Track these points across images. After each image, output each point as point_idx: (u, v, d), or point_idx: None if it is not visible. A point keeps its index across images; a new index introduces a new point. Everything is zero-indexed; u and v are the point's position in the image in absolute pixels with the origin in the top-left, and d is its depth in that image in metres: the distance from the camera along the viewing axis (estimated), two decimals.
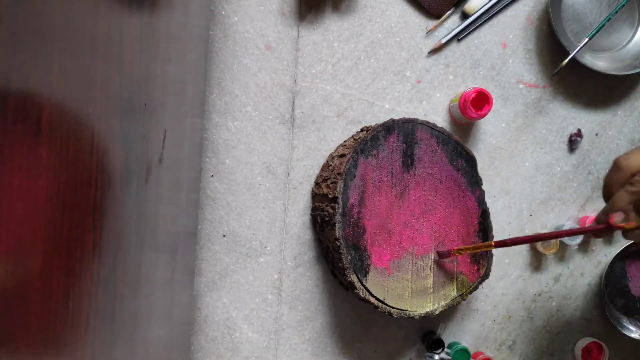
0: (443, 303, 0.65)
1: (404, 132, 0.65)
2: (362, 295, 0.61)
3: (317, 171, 0.72)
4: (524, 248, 0.77)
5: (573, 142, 0.76)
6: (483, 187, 0.68)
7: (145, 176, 0.47)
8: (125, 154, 0.42)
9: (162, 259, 0.55)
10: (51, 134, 0.31)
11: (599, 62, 0.75)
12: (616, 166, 0.54)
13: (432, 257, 0.65)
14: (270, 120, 0.72)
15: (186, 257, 0.65)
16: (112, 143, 0.40)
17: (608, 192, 0.55)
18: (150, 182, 0.48)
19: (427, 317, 0.65)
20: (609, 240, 0.78)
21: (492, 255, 0.68)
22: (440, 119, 0.74)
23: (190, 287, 0.69)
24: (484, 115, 0.68)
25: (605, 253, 0.78)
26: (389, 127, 0.64)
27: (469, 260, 0.66)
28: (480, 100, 0.68)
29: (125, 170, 0.42)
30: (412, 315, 0.63)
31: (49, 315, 0.33)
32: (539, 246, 0.74)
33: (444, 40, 0.74)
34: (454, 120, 0.74)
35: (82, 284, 0.37)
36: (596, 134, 0.77)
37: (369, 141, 0.63)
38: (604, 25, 0.74)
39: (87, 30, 0.36)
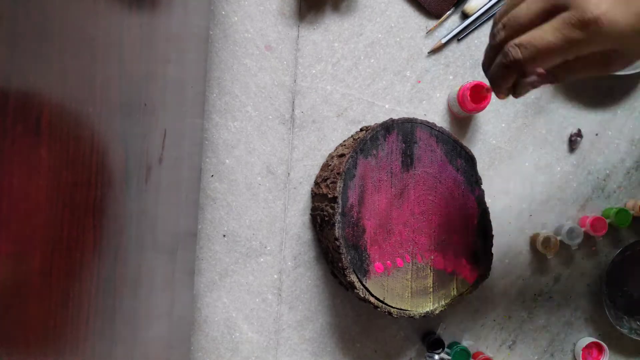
0: (443, 303, 0.65)
1: (403, 131, 0.65)
2: (362, 295, 0.61)
3: (317, 171, 0.72)
4: (523, 248, 0.77)
5: (573, 142, 0.76)
6: (483, 186, 0.68)
7: (145, 176, 0.47)
8: (125, 154, 0.42)
9: (162, 259, 0.55)
10: (51, 133, 0.31)
11: None
12: None
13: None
14: (270, 120, 0.72)
15: (186, 257, 0.65)
16: (112, 143, 0.40)
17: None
18: (150, 182, 0.48)
19: (427, 317, 0.65)
20: (609, 240, 0.78)
21: (491, 255, 0.68)
22: (440, 119, 0.74)
23: (190, 287, 0.69)
24: (482, 108, 0.68)
25: (605, 253, 0.78)
26: (388, 127, 0.64)
27: (468, 259, 0.66)
28: (479, 94, 0.68)
29: (125, 170, 0.42)
30: (412, 315, 0.63)
31: (49, 315, 0.33)
32: (539, 246, 0.74)
33: (444, 40, 0.74)
34: (453, 114, 0.74)
35: (82, 284, 0.37)
36: (596, 134, 0.77)
37: (368, 141, 0.63)
38: None
39: (87, 30, 0.36)
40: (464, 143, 0.72)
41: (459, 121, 0.75)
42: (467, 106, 0.68)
